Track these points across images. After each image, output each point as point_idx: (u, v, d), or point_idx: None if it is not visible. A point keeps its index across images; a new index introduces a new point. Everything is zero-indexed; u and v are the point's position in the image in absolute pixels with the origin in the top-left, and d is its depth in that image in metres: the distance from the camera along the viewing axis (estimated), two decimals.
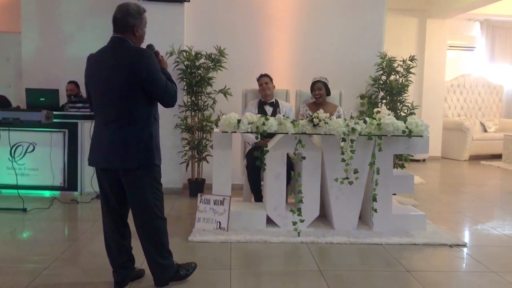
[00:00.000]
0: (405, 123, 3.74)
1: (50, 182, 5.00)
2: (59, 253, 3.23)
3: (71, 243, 3.51)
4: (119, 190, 2.64)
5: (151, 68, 2.52)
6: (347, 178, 3.71)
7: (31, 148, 4.99)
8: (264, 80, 4.63)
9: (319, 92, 4.60)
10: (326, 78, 4.67)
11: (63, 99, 5.42)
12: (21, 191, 4.64)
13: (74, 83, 5.79)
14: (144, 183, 2.59)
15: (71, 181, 5.04)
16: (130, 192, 2.61)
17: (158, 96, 2.59)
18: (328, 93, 4.68)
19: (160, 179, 2.70)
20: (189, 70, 5.12)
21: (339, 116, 4.45)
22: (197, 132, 5.20)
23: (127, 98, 2.50)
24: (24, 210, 4.28)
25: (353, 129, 3.63)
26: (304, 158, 3.78)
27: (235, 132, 3.73)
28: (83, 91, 5.57)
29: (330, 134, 3.69)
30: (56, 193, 4.99)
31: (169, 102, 2.65)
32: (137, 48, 2.58)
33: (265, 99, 4.63)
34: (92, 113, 2.73)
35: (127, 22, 2.55)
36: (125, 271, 2.71)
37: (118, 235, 2.70)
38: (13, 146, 4.90)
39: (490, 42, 9.76)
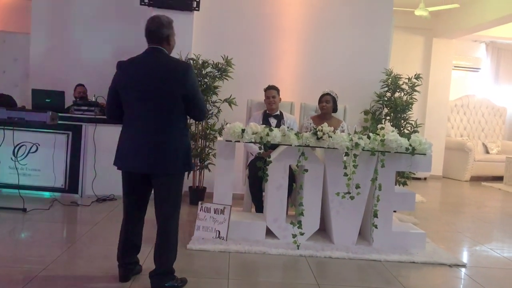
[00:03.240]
0: (408, 140, 3.75)
1: (51, 184, 4.99)
2: (56, 255, 3.22)
3: (69, 245, 3.50)
4: (142, 193, 2.80)
5: (195, 81, 2.73)
6: (349, 192, 3.71)
7: (34, 148, 4.99)
8: (271, 93, 4.57)
9: (326, 105, 4.57)
10: (336, 94, 4.66)
11: (68, 101, 5.44)
12: (22, 191, 4.64)
13: (83, 86, 5.83)
14: (177, 187, 2.76)
15: (72, 183, 5.04)
16: (162, 195, 2.73)
17: (196, 108, 2.74)
18: (335, 109, 4.67)
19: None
20: None
21: (342, 131, 4.44)
22: (200, 140, 5.21)
23: (171, 107, 2.64)
24: (24, 210, 4.28)
25: (357, 144, 3.64)
26: (306, 170, 3.78)
27: (239, 141, 3.74)
28: (90, 95, 5.63)
29: (334, 148, 3.70)
30: (57, 194, 4.98)
31: (201, 116, 2.88)
32: (182, 61, 2.76)
33: (270, 112, 4.62)
34: (103, 117, 2.78)
35: (162, 33, 2.70)
36: (130, 267, 2.85)
37: (132, 234, 2.83)
38: (16, 146, 4.91)
39: (495, 64, 9.80)
